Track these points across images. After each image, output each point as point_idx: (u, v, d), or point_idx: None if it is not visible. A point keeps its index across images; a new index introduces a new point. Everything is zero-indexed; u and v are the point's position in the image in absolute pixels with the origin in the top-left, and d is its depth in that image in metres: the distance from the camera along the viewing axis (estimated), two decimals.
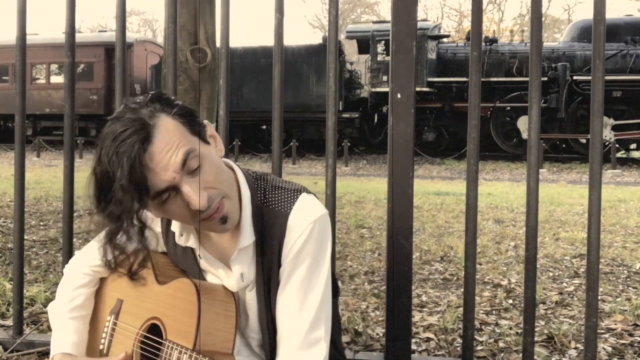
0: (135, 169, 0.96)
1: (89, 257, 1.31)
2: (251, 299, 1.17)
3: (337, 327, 1.31)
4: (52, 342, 1.24)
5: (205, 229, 1.09)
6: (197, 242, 1.16)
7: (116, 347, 1.23)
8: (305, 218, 1.11)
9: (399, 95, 1.70)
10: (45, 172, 10.72)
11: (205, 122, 1.11)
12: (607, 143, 13.05)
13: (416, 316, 2.55)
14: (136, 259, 1.13)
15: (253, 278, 1.16)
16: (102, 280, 1.33)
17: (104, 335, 1.26)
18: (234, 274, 1.16)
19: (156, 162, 0.98)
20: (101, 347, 1.26)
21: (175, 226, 1.17)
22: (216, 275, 1.19)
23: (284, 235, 1.11)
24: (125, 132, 0.98)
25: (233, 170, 1.16)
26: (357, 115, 16.09)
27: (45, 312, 2.43)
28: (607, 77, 10.43)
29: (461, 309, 2.18)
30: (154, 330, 1.17)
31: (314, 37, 41.21)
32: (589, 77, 4.88)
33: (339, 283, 3.12)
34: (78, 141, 15.31)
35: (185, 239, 1.16)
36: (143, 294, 1.21)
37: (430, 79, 15.30)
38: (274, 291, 1.14)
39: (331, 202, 1.77)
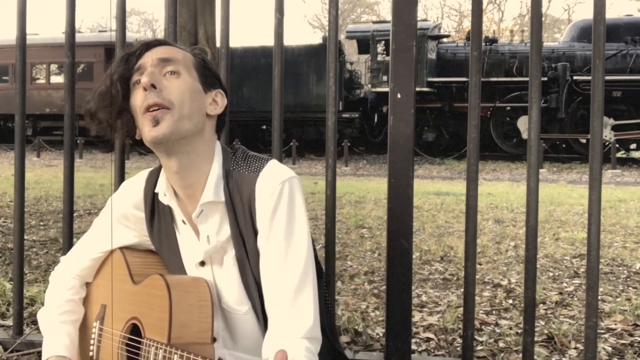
0: (136, 51, 1.16)
1: (73, 262, 1.33)
2: (231, 264, 1.17)
3: (330, 316, 1.31)
4: (44, 346, 1.24)
5: (141, 126, 1.13)
6: (175, 198, 1.20)
7: (104, 353, 1.24)
8: (274, 179, 1.13)
9: (399, 95, 1.70)
10: (45, 172, 10.73)
11: (220, 91, 1.22)
12: (607, 143, 13.05)
13: (416, 316, 2.55)
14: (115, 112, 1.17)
15: (225, 239, 1.16)
16: (88, 289, 1.34)
17: (92, 342, 1.27)
18: (201, 236, 1.18)
19: (150, 54, 1.16)
20: (91, 354, 1.27)
21: (159, 187, 1.21)
22: (190, 244, 1.21)
23: (254, 197, 1.13)
24: None
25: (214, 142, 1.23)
26: (357, 115, 16.09)
27: None
28: (607, 77, 10.45)
29: (461, 309, 2.18)
30: (137, 330, 1.17)
31: (314, 37, 41.23)
32: (589, 77, 4.88)
33: (339, 283, 3.13)
34: (78, 141, 15.31)
35: (169, 199, 1.20)
36: (122, 296, 1.22)
37: (430, 79, 15.30)
38: (252, 255, 1.14)
39: (331, 202, 1.77)
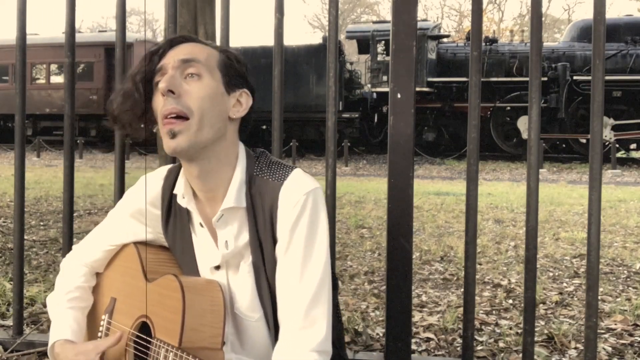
0: (159, 49, 1.13)
1: (85, 251, 1.32)
2: (247, 270, 1.15)
3: (339, 327, 1.30)
4: (51, 330, 1.24)
5: (161, 133, 1.11)
6: (193, 201, 1.18)
7: (111, 347, 1.23)
8: (298, 190, 1.10)
9: (399, 95, 1.70)
10: (45, 172, 10.73)
11: (245, 91, 1.17)
12: (607, 143, 13.05)
13: (416, 316, 2.55)
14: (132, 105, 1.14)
15: (243, 244, 1.15)
16: (99, 279, 1.33)
17: (99, 334, 1.26)
18: (219, 240, 1.16)
19: (173, 53, 1.12)
20: None
21: (178, 189, 1.19)
22: (206, 247, 1.19)
23: (276, 205, 1.11)
24: None
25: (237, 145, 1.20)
26: (357, 115, 16.09)
27: (46, 312, 2.43)
28: (607, 77, 10.45)
29: (461, 309, 2.18)
30: (147, 328, 1.17)
31: (314, 37, 41.23)
32: (589, 77, 4.88)
33: (339, 283, 3.13)
34: (78, 141, 15.31)
35: (187, 201, 1.17)
36: (133, 292, 1.21)
37: (430, 79, 15.30)
38: (268, 263, 1.13)
39: (331, 202, 1.77)
